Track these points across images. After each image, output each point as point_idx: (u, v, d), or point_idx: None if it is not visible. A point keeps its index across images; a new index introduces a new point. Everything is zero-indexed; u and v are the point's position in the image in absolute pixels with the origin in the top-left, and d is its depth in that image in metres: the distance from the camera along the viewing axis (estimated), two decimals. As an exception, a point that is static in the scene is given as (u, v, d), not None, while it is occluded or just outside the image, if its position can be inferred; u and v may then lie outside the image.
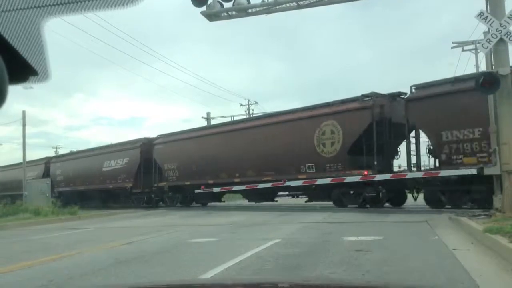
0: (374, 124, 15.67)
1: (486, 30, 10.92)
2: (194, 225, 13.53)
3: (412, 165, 16.20)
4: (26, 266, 6.83)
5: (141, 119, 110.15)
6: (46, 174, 31.03)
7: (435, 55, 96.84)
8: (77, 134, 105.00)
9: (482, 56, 20.46)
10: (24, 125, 28.24)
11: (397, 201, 17.12)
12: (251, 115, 36.66)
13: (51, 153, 49.90)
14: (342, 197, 17.22)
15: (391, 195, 16.75)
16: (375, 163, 15.76)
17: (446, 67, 79.53)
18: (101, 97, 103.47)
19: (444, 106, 14.10)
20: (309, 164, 17.43)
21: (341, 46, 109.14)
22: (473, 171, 13.17)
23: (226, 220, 14.23)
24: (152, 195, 24.84)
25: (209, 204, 24.36)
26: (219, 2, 12.41)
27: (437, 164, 15.22)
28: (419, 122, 15.31)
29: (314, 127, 17.30)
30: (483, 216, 9.94)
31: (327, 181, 16.91)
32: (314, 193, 18.54)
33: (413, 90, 15.68)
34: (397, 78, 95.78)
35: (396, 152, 17.07)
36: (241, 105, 41.91)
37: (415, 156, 16.18)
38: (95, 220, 18.55)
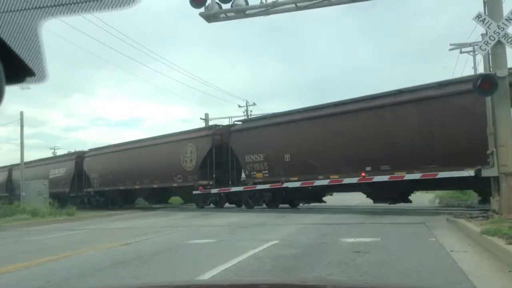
0: (213, 148, 21.48)
1: (484, 32, 10.94)
2: (193, 226, 13.53)
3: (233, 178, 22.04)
4: (24, 266, 6.83)
5: (140, 120, 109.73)
6: (9, 179, 35.49)
7: (433, 55, 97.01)
8: (75, 135, 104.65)
9: (480, 58, 20.55)
10: (22, 126, 28.16)
11: (238, 204, 22.16)
12: (250, 116, 36.76)
13: (48, 153, 50.51)
14: (198, 199, 23.02)
15: (232, 199, 22.19)
16: (214, 175, 21.59)
17: (446, 68, 79.80)
18: (100, 97, 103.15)
19: (247, 138, 20.26)
20: (179, 176, 23.14)
21: (340, 46, 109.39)
22: (471, 173, 13.23)
23: (224, 221, 14.22)
24: (84, 198, 30.25)
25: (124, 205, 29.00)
26: (217, 3, 12.33)
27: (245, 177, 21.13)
28: (236, 148, 20.90)
29: (181, 148, 23.01)
30: (480, 218, 9.95)
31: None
32: (186, 197, 25.18)
33: (235, 124, 22.18)
34: (396, 77, 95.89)
35: (234, 169, 21.80)
36: (239, 106, 42.00)
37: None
38: (92, 221, 18.56)
